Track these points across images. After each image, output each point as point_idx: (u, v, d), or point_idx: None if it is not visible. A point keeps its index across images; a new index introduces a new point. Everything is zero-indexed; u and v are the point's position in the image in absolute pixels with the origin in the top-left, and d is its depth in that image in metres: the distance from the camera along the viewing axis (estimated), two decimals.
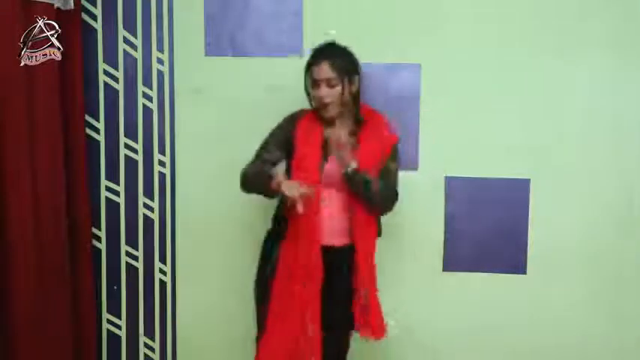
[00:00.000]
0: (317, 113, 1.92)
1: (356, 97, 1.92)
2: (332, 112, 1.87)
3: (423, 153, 2.26)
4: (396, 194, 1.97)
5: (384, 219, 2.24)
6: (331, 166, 1.87)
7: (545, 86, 2.22)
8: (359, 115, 1.93)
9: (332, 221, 1.88)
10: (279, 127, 1.95)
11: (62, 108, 2.12)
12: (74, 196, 2.20)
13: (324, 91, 1.85)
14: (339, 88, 1.86)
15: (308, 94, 1.93)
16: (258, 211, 2.21)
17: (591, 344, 2.28)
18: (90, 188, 2.28)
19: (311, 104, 1.94)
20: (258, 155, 1.92)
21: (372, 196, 1.85)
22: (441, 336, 2.31)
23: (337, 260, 1.88)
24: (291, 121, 1.93)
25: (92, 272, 2.30)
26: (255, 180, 1.87)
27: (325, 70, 1.85)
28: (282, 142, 1.91)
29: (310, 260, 1.83)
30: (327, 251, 1.86)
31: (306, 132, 1.89)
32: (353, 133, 1.91)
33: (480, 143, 2.25)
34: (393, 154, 1.95)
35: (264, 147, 1.93)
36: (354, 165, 1.80)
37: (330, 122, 1.91)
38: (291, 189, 1.70)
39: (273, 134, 1.94)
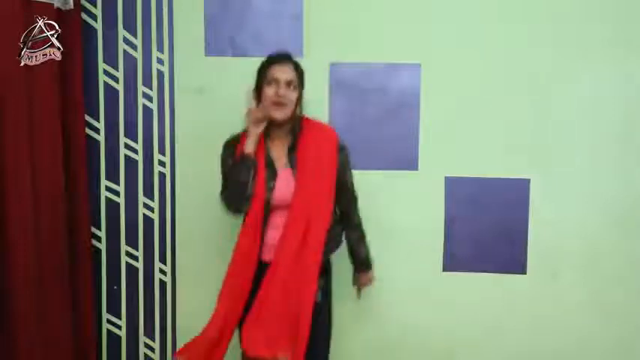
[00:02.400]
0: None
1: (298, 114, 1.88)
2: (285, 114, 1.81)
3: (423, 153, 2.26)
4: (357, 199, 1.99)
5: (385, 219, 2.25)
6: (280, 186, 1.82)
7: (545, 86, 2.22)
8: (298, 127, 1.87)
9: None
10: (224, 160, 1.89)
11: (62, 108, 2.12)
12: (74, 196, 2.20)
13: (284, 90, 1.80)
14: (296, 94, 1.84)
15: (258, 98, 1.84)
16: None
17: (591, 344, 2.28)
18: (90, 188, 2.28)
19: (255, 99, 1.85)
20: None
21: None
22: (441, 336, 2.31)
23: None
24: (230, 148, 1.88)
25: (92, 272, 2.30)
26: (232, 181, 1.82)
27: (290, 72, 1.83)
28: None
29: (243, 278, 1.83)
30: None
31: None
32: (292, 149, 1.85)
33: (480, 143, 2.25)
34: (345, 161, 1.90)
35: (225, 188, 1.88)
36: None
37: (277, 132, 1.85)
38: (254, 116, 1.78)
39: (222, 172, 1.90)
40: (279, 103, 1.80)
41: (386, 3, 2.23)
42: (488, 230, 2.27)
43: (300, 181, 1.82)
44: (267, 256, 1.84)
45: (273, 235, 1.84)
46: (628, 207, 2.24)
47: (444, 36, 2.23)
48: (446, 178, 2.27)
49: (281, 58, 1.86)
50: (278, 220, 1.83)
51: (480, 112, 2.24)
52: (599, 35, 2.20)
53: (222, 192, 1.88)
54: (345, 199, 1.94)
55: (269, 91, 1.81)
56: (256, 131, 1.81)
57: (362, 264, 2.04)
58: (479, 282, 2.29)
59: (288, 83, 1.81)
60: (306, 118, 1.92)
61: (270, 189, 1.81)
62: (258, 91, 1.85)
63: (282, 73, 1.82)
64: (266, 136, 1.86)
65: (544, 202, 2.25)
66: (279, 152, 1.87)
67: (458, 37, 2.23)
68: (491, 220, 2.27)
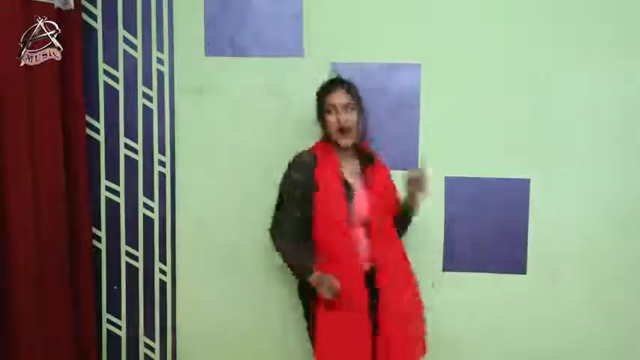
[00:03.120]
0: (330, 146, 1.93)
1: (362, 133, 1.95)
2: (351, 138, 1.89)
3: (423, 153, 2.26)
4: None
5: None
6: (360, 205, 1.90)
7: (545, 86, 2.22)
8: (366, 149, 1.99)
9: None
10: (293, 182, 1.90)
11: (62, 108, 2.13)
12: (74, 196, 2.20)
13: (344, 115, 1.87)
14: (356, 114, 1.90)
15: (323, 125, 1.93)
16: (257, 211, 2.21)
17: (591, 344, 2.28)
18: (90, 188, 2.28)
19: (327, 136, 1.93)
20: (281, 220, 1.93)
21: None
22: (441, 336, 2.31)
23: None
24: (304, 169, 1.90)
25: (92, 272, 2.30)
26: (293, 262, 1.92)
27: (343, 96, 1.89)
28: (300, 199, 1.88)
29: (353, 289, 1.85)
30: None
31: (324, 174, 1.88)
32: (364, 169, 1.96)
33: (480, 143, 2.25)
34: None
35: (285, 209, 1.92)
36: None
37: (344, 155, 1.94)
38: (327, 290, 1.80)
39: (288, 191, 1.91)
40: (343, 129, 1.88)
41: (386, 3, 2.23)
42: (488, 230, 2.27)
43: (374, 198, 1.91)
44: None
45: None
46: (628, 207, 2.24)
47: (444, 36, 2.23)
48: (446, 178, 2.27)
49: (332, 84, 1.93)
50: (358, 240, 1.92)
51: (480, 112, 2.24)
52: (599, 35, 2.19)
53: (276, 232, 1.95)
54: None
55: (331, 119, 1.89)
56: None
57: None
58: (479, 282, 2.29)
59: (346, 106, 1.88)
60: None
61: (351, 208, 1.88)
62: (322, 119, 1.92)
63: (337, 98, 1.88)
64: (339, 156, 1.94)
65: (544, 202, 2.25)
66: (351, 174, 1.94)
67: (458, 37, 2.23)
68: (491, 220, 2.27)
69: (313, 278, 1.83)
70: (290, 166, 1.93)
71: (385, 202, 1.96)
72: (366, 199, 1.92)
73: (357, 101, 1.92)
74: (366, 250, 1.91)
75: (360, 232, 1.92)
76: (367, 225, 1.91)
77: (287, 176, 1.93)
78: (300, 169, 1.90)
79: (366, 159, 1.98)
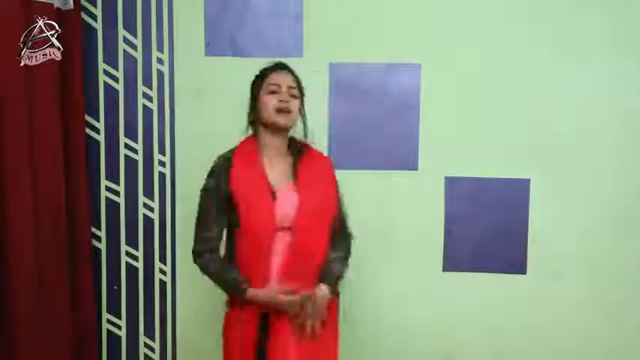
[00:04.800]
0: (255, 142, 1.78)
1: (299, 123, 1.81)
2: (289, 121, 1.74)
3: (423, 153, 2.26)
4: (350, 240, 1.82)
5: (384, 218, 2.25)
6: (283, 207, 1.68)
7: (545, 86, 2.22)
8: (297, 143, 1.81)
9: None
10: (208, 191, 1.73)
11: (62, 108, 2.12)
12: (74, 196, 2.20)
13: (286, 95, 1.73)
14: (297, 102, 1.77)
15: (258, 109, 1.77)
16: None
17: (591, 344, 2.28)
18: (90, 188, 2.28)
19: (250, 118, 1.83)
20: (202, 238, 1.74)
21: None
22: (440, 336, 2.31)
23: None
24: (221, 175, 1.72)
25: (92, 272, 2.30)
26: (222, 284, 1.76)
27: (288, 79, 1.76)
28: (221, 206, 1.71)
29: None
30: None
31: (244, 173, 1.71)
32: (293, 166, 1.78)
33: (480, 143, 2.25)
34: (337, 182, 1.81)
35: (205, 225, 1.73)
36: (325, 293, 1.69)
37: (273, 153, 1.77)
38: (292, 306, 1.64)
39: (205, 205, 1.73)
40: (282, 109, 1.71)
41: (386, 3, 2.23)
42: (488, 230, 2.27)
43: (303, 196, 1.70)
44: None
45: (274, 260, 1.69)
46: (628, 207, 2.24)
47: (444, 36, 2.23)
48: (446, 178, 2.27)
49: (278, 66, 1.80)
50: (279, 246, 1.69)
51: (480, 112, 2.25)
52: (599, 35, 2.20)
53: (199, 250, 1.75)
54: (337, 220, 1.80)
55: (271, 99, 1.72)
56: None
57: (325, 276, 1.71)
58: (479, 282, 2.29)
59: (290, 89, 1.75)
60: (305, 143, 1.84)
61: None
62: (258, 102, 1.77)
63: (282, 79, 1.75)
64: (263, 154, 1.78)
65: (544, 202, 2.25)
66: (279, 172, 1.76)
67: (458, 37, 2.23)
68: (491, 220, 2.27)
69: (282, 304, 1.65)
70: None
71: (322, 205, 1.72)
72: (295, 196, 1.69)
73: (300, 91, 1.79)
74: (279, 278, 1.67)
75: (283, 242, 1.68)
76: (292, 235, 1.67)
77: (202, 188, 1.74)
78: (213, 175, 1.73)
79: (298, 152, 1.78)
